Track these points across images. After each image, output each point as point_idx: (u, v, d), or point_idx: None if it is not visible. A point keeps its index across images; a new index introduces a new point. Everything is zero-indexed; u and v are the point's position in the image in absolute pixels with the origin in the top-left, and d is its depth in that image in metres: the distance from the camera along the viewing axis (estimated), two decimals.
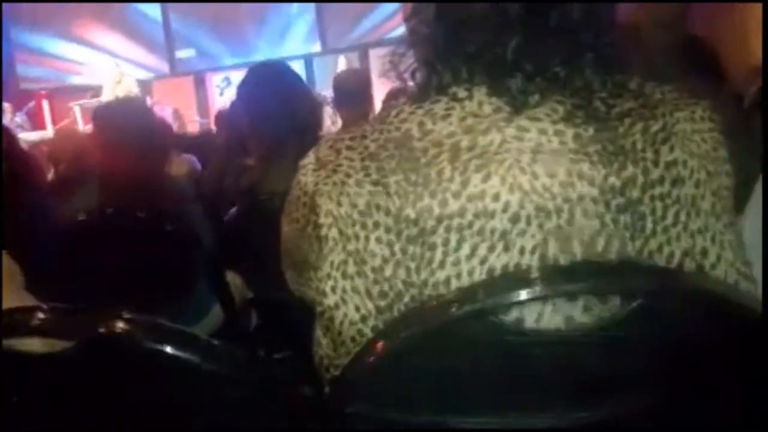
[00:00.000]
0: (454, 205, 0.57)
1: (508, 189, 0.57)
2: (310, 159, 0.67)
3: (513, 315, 0.54)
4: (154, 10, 9.74)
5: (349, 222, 0.60)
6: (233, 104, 2.26)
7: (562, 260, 0.57)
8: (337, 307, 0.61)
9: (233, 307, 1.90)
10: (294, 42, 9.59)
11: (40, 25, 9.35)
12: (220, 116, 3.67)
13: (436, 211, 0.58)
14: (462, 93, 0.61)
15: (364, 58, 9.05)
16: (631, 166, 0.57)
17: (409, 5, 0.66)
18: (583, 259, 0.56)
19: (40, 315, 0.72)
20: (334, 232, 0.61)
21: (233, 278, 1.96)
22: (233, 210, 1.63)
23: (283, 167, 1.54)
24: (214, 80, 9.72)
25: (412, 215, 0.58)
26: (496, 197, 0.57)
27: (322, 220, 0.62)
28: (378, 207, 0.59)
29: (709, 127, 0.62)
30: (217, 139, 3.51)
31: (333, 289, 0.61)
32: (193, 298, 1.88)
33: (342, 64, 8.29)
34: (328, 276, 0.61)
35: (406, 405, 0.57)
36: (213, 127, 8.17)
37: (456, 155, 0.59)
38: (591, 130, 0.59)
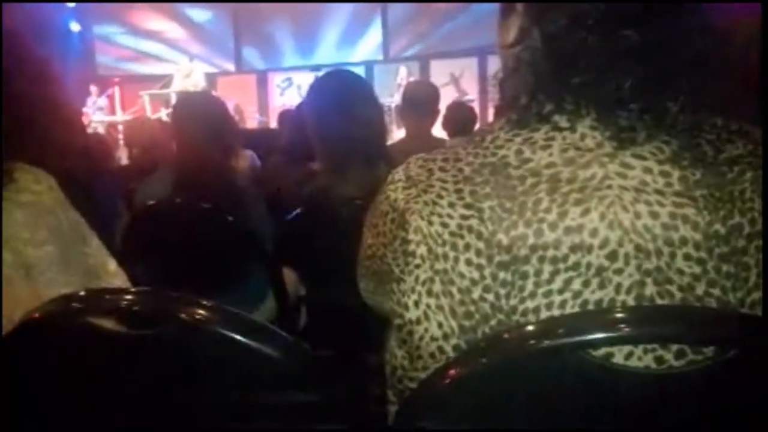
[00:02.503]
0: (549, 236, 0.57)
1: (607, 225, 0.57)
2: (400, 176, 0.67)
3: (601, 350, 0.54)
4: (223, 9, 10.00)
5: (439, 241, 0.61)
6: (301, 108, 2.30)
7: (659, 302, 0.56)
8: (418, 321, 0.61)
9: (287, 303, 1.93)
10: (357, 48, 9.70)
11: (116, 19, 9.74)
12: (285, 116, 3.73)
13: (531, 240, 0.57)
14: (564, 123, 0.61)
15: (425, 68, 9.09)
16: (738, 215, 0.56)
17: (513, 31, 0.66)
18: (681, 302, 0.55)
19: (128, 297, 0.75)
20: (422, 250, 0.62)
21: (288, 274, 1.99)
22: (297, 211, 1.66)
23: (350, 175, 1.56)
24: (276, 80, 9.91)
25: (505, 242, 0.58)
26: (594, 233, 0.57)
27: (411, 236, 0.63)
28: (470, 229, 0.60)
29: None
30: (277, 138, 3.57)
31: (416, 304, 0.62)
32: (249, 288, 1.92)
33: (403, 73, 8.34)
34: (412, 290, 0.62)
35: (479, 429, 0.57)
36: (272, 125, 8.36)
37: (555, 186, 0.58)
38: (698, 174, 0.57)
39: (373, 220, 0.70)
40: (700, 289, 0.56)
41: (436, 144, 2.71)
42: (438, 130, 3.02)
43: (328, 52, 9.76)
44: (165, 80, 7.55)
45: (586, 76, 0.60)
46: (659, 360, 0.55)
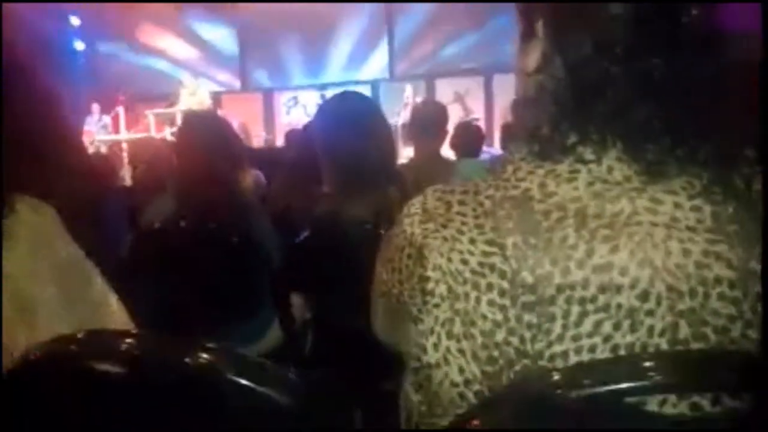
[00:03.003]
0: (576, 275, 0.54)
1: (637, 264, 0.54)
2: (416, 209, 0.63)
3: (634, 396, 0.50)
4: (230, 27, 10.08)
5: (459, 280, 0.57)
6: (309, 129, 2.28)
7: (694, 345, 0.53)
8: (438, 365, 0.58)
9: (293, 327, 1.90)
10: (363, 67, 9.75)
11: (121, 36, 9.82)
12: (292, 135, 3.72)
13: (557, 279, 0.54)
14: (589, 155, 0.58)
15: (431, 87, 9.11)
16: None
17: (533, 57, 0.63)
18: (718, 346, 0.52)
19: (128, 341, 0.72)
20: (441, 288, 0.58)
21: (294, 297, 1.96)
22: (305, 233, 1.63)
23: (359, 197, 1.53)
24: (282, 98, 9.96)
25: (530, 280, 0.55)
26: (624, 271, 0.54)
27: (429, 273, 0.59)
28: (492, 268, 0.56)
29: None
30: (283, 156, 3.56)
31: (435, 347, 0.58)
32: (255, 312, 1.89)
33: (408, 92, 8.36)
34: (431, 332, 0.58)
35: None
36: (277, 144, 8.38)
37: (582, 222, 0.55)
38: (730, 209, 0.55)
39: (388, 255, 0.66)
40: (735, 331, 0.53)
41: (444, 164, 2.69)
42: (446, 150, 3.00)
43: (334, 71, 9.81)
44: (170, 99, 7.56)
45: (612, 107, 0.57)
46: (694, 407, 0.52)
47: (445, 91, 8.76)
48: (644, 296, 0.53)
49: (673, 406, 0.52)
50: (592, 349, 0.53)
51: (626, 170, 0.57)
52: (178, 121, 6.41)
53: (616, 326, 0.53)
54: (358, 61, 9.76)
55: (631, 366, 0.52)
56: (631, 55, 0.56)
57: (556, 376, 0.53)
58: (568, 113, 0.59)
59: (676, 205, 0.55)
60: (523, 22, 0.64)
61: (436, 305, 0.58)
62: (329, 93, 8.67)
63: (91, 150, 6.94)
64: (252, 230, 1.79)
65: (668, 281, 0.53)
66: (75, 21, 9.49)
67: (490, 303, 0.56)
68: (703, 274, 0.53)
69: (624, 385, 0.50)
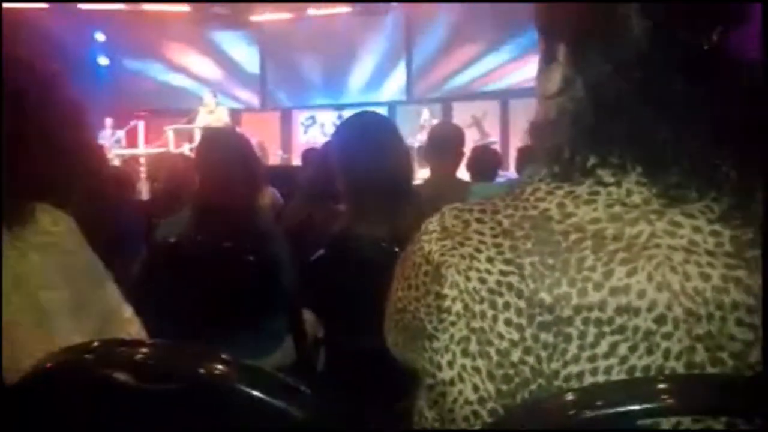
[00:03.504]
0: (594, 297, 0.54)
1: (655, 287, 0.53)
2: (434, 226, 0.63)
3: (648, 419, 0.50)
4: (251, 45, 10.24)
5: (476, 298, 0.57)
6: (327, 148, 2.30)
7: (710, 370, 0.52)
8: (452, 383, 0.58)
9: (305, 345, 1.90)
10: (381, 89, 9.84)
11: (144, 52, 10.00)
12: (309, 154, 3.75)
13: (575, 300, 0.54)
14: (608, 178, 0.58)
15: (448, 110, 9.17)
16: None
17: (555, 81, 0.64)
18: (734, 371, 0.52)
19: (143, 350, 0.72)
20: (458, 306, 0.58)
21: (308, 316, 1.96)
22: (320, 252, 1.63)
23: (375, 217, 1.54)
24: (300, 118, 10.06)
25: (548, 301, 0.55)
26: (641, 294, 0.53)
27: (446, 291, 0.59)
28: (510, 287, 0.56)
29: None
30: (300, 175, 3.58)
31: (450, 364, 0.58)
32: (267, 329, 1.90)
33: (426, 115, 8.41)
34: (446, 349, 0.58)
35: None
36: (294, 162, 8.44)
37: (600, 244, 0.55)
38: (750, 234, 0.55)
39: (405, 272, 0.66)
40: (752, 357, 0.52)
41: (460, 186, 2.69)
42: (462, 172, 3.00)
43: (352, 91, 9.91)
44: (190, 115, 7.67)
45: (633, 129, 0.57)
46: (708, 430, 0.51)
47: (462, 114, 8.81)
48: (661, 319, 0.53)
49: (687, 430, 0.51)
50: (608, 370, 0.53)
51: (646, 193, 0.57)
52: (197, 137, 6.49)
53: (633, 348, 0.53)
54: (376, 82, 9.86)
55: (646, 388, 0.52)
56: (652, 77, 0.57)
57: (570, 397, 0.53)
58: (589, 135, 0.59)
59: (696, 229, 0.55)
60: (544, 46, 0.65)
61: (452, 323, 0.58)
62: (346, 113, 8.78)
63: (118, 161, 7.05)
64: (268, 249, 1.80)
65: (686, 305, 0.53)
66: (100, 37, 9.70)
67: (507, 322, 0.56)
68: (721, 299, 0.53)
69: (637, 407, 0.50)
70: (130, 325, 1.15)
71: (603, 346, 0.53)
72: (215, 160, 1.81)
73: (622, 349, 0.53)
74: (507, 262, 0.57)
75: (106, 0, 9.12)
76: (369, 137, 1.63)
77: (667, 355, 0.53)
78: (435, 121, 8.28)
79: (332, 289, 1.60)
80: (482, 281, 0.57)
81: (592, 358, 0.53)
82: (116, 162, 7.17)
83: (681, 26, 0.57)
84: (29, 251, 0.98)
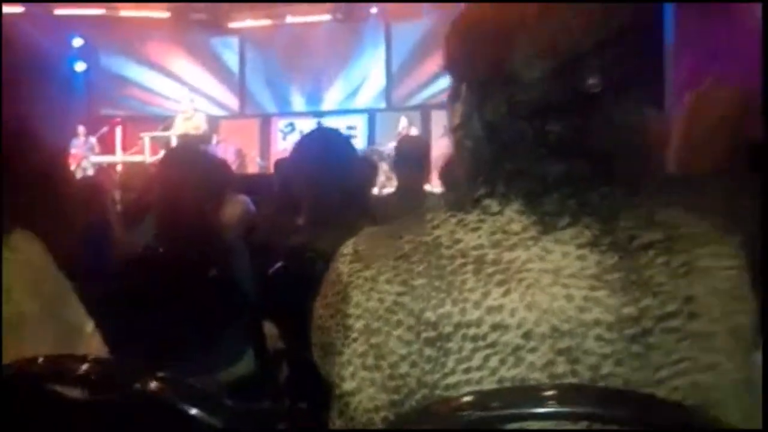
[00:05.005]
0: (472, 315, 0.60)
1: (525, 306, 0.59)
2: (348, 249, 0.70)
3: (515, 425, 0.56)
4: (231, 51, 10.24)
5: (375, 316, 0.63)
6: (288, 164, 2.36)
7: (568, 380, 0.58)
8: (353, 393, 0.64)
9: (266, 357, 1.94)
10: (361, 97, 9.88)
11: (121, 57, 9.92)
12: (279, 165, 3.78)
13: (456, 318, 0.60)
14: (495, 207, 0.64)
15: (426, 118, 9.24)
16: (649, 298, 0.58)
17: (457, 116, 0.70)
18: (589, 382, 0.57)
19: (85, 366, 0.77)
20: (360, 324, 0.64)
21: (269, 328, 2.00)
22: (279, 264, 1.68)
23: (329, 233, 1.59)
24: (280, 124, 10.08)
25: (432, 319, 0.61)
26: (513, 313, 0.59)
27: (351, 310, 0.65)
28: (403, 306, 0.62)
29: (734, 265, 0.62)
30: (273, 186, 3.62)
31: (352, 376, 0.64)
32: (228, 342, 1.93)
33: (403, 122, 8.48)
34: (349, 362, 0.64)
35: None
36: (271, 170, 8.46)
37: (480, 267, 0.61)
38: (614, 259, 0.60)
39: (323, 290, 0.72)
40: (605, 369, 0.58)
41: (425, 198, 2.75)
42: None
43: (331, 99, 9.94)
44: (166, 122, 7.65)
45: (520, 164, 0.63)
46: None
47: (440, 121, 8.84)
48: (529, 335, 0.59)
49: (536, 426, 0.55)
50: (480, 381, 0.59)
51: (525, 221, 0.63)
52: (173, 144, 6.48)
53: (502, 361, 0.59)
54: (355, 89, 9.90)
55: (533, 393, 0.57)
56: (542, 117, 0.63)
57: (462, 400, 0.59)
58: (483, 169, 0.65)
59: (564, 254, 0.61)
60: (451, 83, 0.72)
61: (355, 339, 0.64)
62: (326, 121, 8.80)
63: (79, 173, 6.97)
64: (228, 262, 1.84)
65: (551, 322, 0.59)
66: (77, 42, 9.60)
67: (399, 338, 0.62)
68: (583, 317, 0.59)
69: (525, 411, 0.55)
70: (91, 338, 1.22)
71: (477, 360, 0.59)
72: (172, 175, 1.85)
73: (493, 362, 0.59)
74: (402, 283, 0.63)
75: (83, 1, 8.97)
76: (318, 155, 1.69)
77: (531, 367, 0.58)
78: (414, 129, 8.36)
79: (289, 302, 1.65)
80: (381, 301, 0.63)
81: (467, 370, 0.59)
82: (90, 171, 7.14)
83: (572, 73, 0.63)
84: (7, 267, 1.07)
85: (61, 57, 9.34)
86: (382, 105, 9.83)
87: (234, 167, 7.05)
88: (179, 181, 1.79)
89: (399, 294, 0.63)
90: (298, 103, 10.15)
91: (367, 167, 1.96)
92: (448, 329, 0.60)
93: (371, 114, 9.68)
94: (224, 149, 8.03)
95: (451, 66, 0.71)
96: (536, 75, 0.63)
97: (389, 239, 0.67)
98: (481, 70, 0.67)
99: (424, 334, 0.61)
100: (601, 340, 0.58)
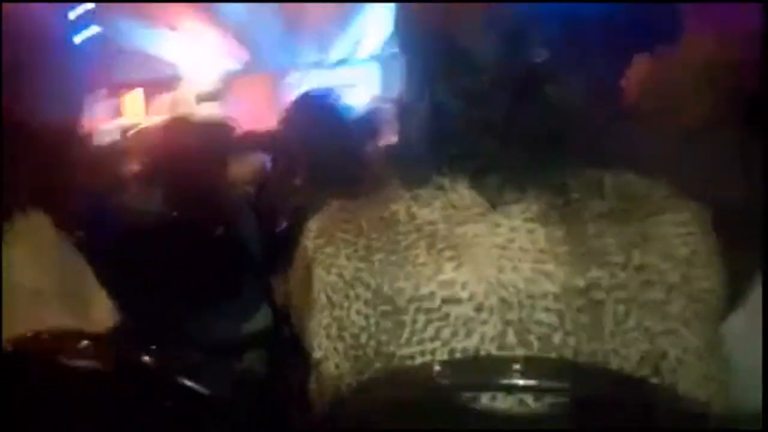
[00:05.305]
0: (425, 289, 0.63)
1: (475, 280, 0.62)
2: (313, 225, 0.73)
3: (469, 392, 0.59)
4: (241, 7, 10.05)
5: (336, 290, 0.67)
6: (285, 125, 2.38)
7: (519, 351, 0.60)
8: (320, 361, 0.68)
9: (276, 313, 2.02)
10: (371, 44, 9.68)
11: (139, 17, 9.81)
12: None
13: (409, 292, 0.63)
14: (447, 184, 0.66)
15: None
16: (598, 269, 0.60)
17: (411, 94, 0.71)
18: (540, 353, 0.60)
19: (84, 341, 0.84)
20: (323, 298, 0.68)
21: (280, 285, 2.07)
22: (283, 225, 1.73)
23: (326, 194, 1.62)
24: (293, 79, 9.96)
25: (389, 293, 0.64)
26: (464, 286, 0.62)
27: (315, 284, 0.69)
28: (361, 281, 0.66)
29: (693, 231, 0.62)
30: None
31: (319, 346, 0.68)
32: (242, 298, 2.01)
33: None
34: (316, 333, 0.69)
35: None
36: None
37: (432, 242, 0.64)
38: (563, 231, 0.62)
39: (294, 264, 0.76)
40: (556, 338, 0.60)
41: None
42: None
43: (344, 47, 9.76)
44: (173, 86, 7.60)
45: (460, 147, 0.65)
46: (522, 403, 0.59)
47: None
48: (479, 307, 0.61)
49: (503, 401, 0.59)
50: (432, 352, 0.62)
51: (474, 197, 0.65)
52: (181, 108, 6.46)
53: (454, 333, 0.62)
54: (367, 39, 9.69)
55: (499, 365, 0.60)
56: (489, 100, 0.64)
57: (424, 369, 0.62)
58: (429, 149, 0.67)
59: (512, 228, 0.63)
60: (403, 62, 0.73)
61: (320, 311, 0.69)
62: (340, 71, 8.65)
63: (105, 137, 7.01)
64: (235, 223, 1.89)
65: (500, 294, 0.61)
66: (82, 8, 9.46)
67: (358, 311, 0.66)
68: (531, 289, 0.61)
69: (474, 379, 0.60)
70: (102, 309, 1.29)
71: (429, 331, 0.62)
72: (172, 145, 1.89)
73: (445, 334, 0.62)
74: (361, 259, 0.66)
75: None
76: (318, 117, 1.70)
77: (483, 338, 0.61)
78: None
79: (289, 261, 1.70)
80: (340, 276, 0.67)
81: (420, 342, 0.62)
82: (109, 138, 7.17)
83: (517, 53, 0.63)
84: (15, 243, 1.14)
85: (65, 25, 9.28)
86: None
87: (250, 127, 7.02)
88: (179, 147, 1.83)
89: (357, 269, 0.66)
90: (310, 55, 9.99)
91: (366, 122, 1.96)
92: (403, 303, 0.63)
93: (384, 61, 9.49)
94: (236, 108, 7.99)
95: (403, 43, 0.72)
96: (482, 48, 0.63)
97: (350, 215, 0.70)
98: (431, 44, 0.68)
99: (381, 308, 0.64)
100: (549, 311, 0.60)
